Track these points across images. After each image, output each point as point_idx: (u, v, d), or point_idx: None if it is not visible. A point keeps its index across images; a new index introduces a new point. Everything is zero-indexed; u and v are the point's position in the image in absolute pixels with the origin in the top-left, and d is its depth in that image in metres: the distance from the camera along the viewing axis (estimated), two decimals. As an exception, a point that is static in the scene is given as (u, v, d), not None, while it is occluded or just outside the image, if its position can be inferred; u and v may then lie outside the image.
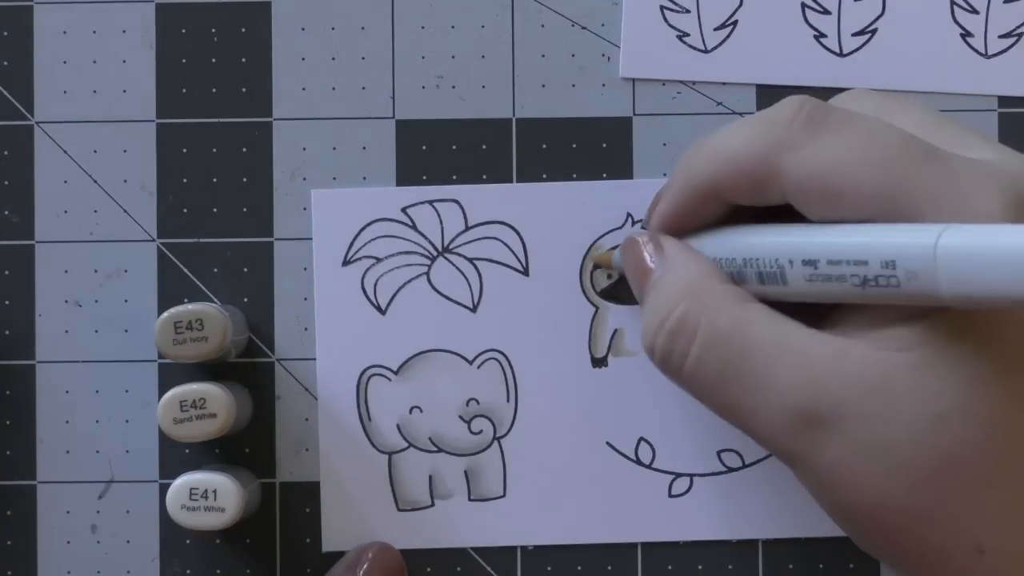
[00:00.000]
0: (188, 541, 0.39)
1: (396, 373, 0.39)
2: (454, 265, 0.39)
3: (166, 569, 0.39)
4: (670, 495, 0.39)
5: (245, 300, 0.39)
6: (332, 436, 0.39)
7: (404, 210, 0.39)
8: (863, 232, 0.29)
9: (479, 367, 0.39)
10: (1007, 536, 0.28)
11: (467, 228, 0.39)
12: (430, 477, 0.39)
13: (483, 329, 0.39)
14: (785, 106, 0.31)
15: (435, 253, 0.39)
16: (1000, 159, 0.30)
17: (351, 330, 0.39)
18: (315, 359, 0.39)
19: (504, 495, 0.39)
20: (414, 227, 0.39)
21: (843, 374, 0.29)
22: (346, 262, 0.39)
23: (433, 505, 0.39)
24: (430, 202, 0.39)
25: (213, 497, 0.36)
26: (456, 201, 0.39)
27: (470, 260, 0.39)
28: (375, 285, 0.39)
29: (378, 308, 0.39)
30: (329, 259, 0.39)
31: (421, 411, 0.39)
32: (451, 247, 0.39)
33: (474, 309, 0.39)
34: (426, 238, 0.39)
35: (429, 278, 0.39)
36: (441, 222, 0.39)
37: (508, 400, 0.39)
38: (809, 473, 0.30)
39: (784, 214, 0.31)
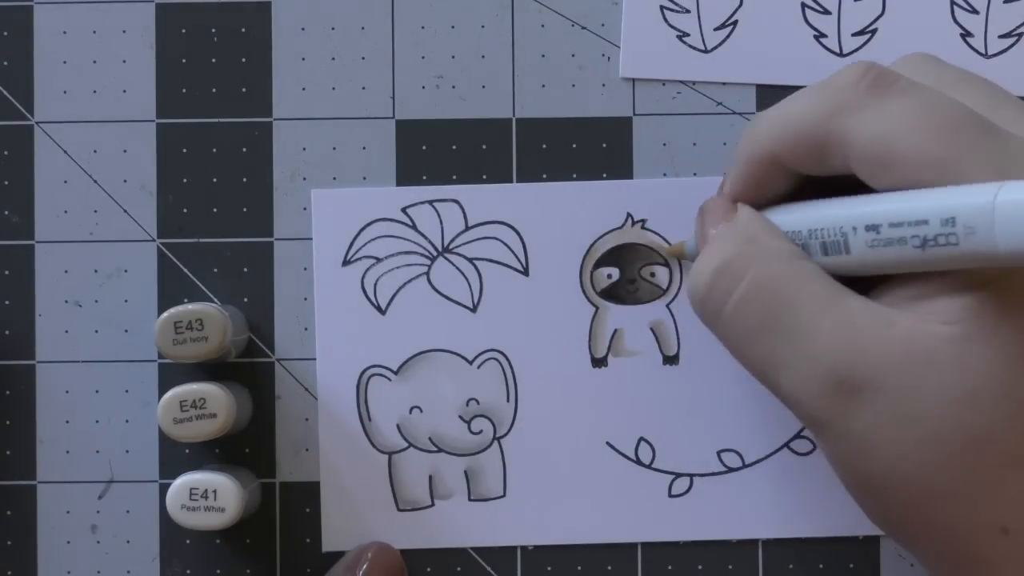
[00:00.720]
0: (188, 541, 0.39)
1: (396, 373, 0.39)
2: (454, 265, 0.39)
3: (166, 569, 0.39)
4: (670, 495, 0.39)
5: (245, 300, 0.39)
6: (332, 436, 0.39)
7: (404, 210, 0.39)
8: (923, 195, 0.29)
9: (479, 367, 0.39)
10: None
11: (467, 228, 0.39)
12: (430, 477, 0.39)
13: (483, 329, 0.39)
14: (850, 71, 0.31)
15: (435, 253, 0.39)
16: None
17: (351, 330, 0.39)
18: (315, 359, 0.39)
19: (504, 495, 0.39)
20: (414, 227, 0.39)
21: (886, 342, 0.29)
22: (346, 262, 0.39)
23: (433, 505, 0.39)
24: (430, 202, 0.39)
25: (213, 497, 0.36)
26: (456, 201, 0.39)
27: (470, 260, 0.39)
28: (375, 285, 0.39)
29: (378, 308, 0.39)
30: (329, 259, 0.39)
31: (421, 411, 0.39)
32: (451, 247, 0.39)
33: (474, 309, 0.39)
34: (426, 238, 0.39)
35: (429, 278, 0.39)
36: (441, 222, 0.39)
37: (508, 400, 0.39)
38: (838, 440, 0.30)
39: (848, 189, 0.31)
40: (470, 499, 0.39)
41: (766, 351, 0.31)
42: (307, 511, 0.39)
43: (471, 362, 0.39)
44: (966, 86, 0.32)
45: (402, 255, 0.39)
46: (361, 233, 0.39)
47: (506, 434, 0.39)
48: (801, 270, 0.31)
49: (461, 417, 0.39)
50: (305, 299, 0.39)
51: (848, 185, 0.31)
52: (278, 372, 0.39)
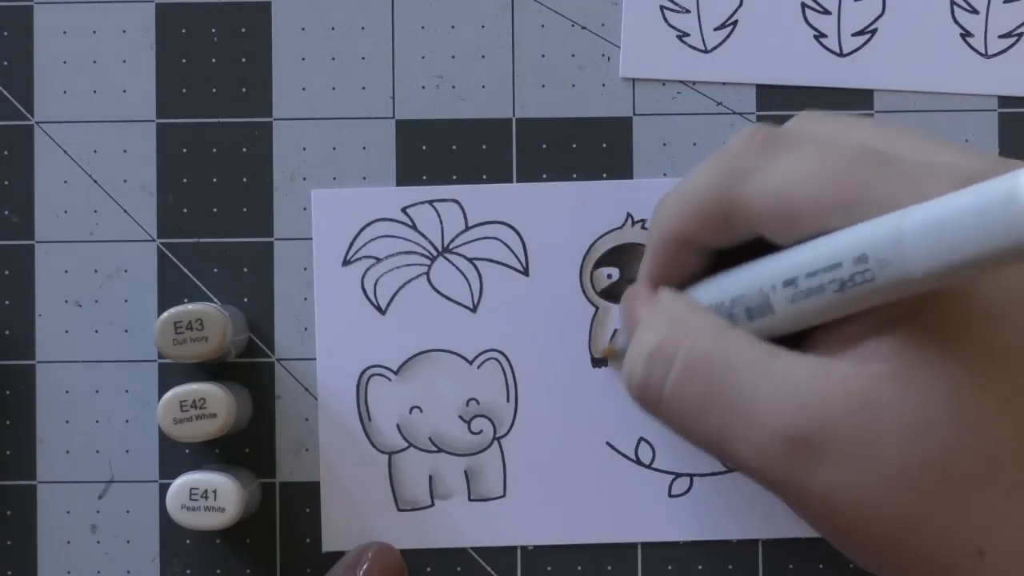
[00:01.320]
0: (188, 541, 0.39)
1: (396, 373, 0.39)
2: (454, 265, 0.39)
3: (166, 569, 0.39)
4: (670, 495, 0.39)
5: (245, 300, 0.39)
6: (332, 436, 0.39)
7: (404, 210, 0.39)
8: (832, 238, 0.29)
9: (479, 367, 0.39)
10: (1005, 536, 0.28)
11: (467, 228, 0.39)
12: (430, 477, 0.39)
13: (483, 329, 0.39)
14: (738, 137, 0.31)
15: (435, 253, 0.39)
16: (963, 161, 0.30)
17: (351, 330, 0.39)
18: (315, 359, 0.39)
19: (504, 495, 0.39)
20: (414, 227, 0.39)
21: (826, 393, 0.29)
22: (346, 262, 0.39)
23: (433, 505, 0.39)
24: (430, 202, 0.39)
25: (213, 497, 0.36)
26: (456, 201, 0.39)
27: (470, 260, 0.39)
28: (375, 285, 0.39)
29: (378, 308, 0.39)
30: (329, 259, 0.39)
31: (421, 411, 0.39)
32: (451, 247, 0.39)
33: (474, 309, 0.39)
34: (426, 238, 0.39)
35: (429, 278, 0.39)
36: (441, 222, 0.39)
37: (508, 400, 0.39)
38: (802, 500, 0.30)
39: (762, 253, 0.31)
40: (470, 499, 0.39)
41: (712, 428, 0.31)
42: (307, 511, 0.39)
43: (471, 362, 0.39)
44: (859, 127, 0.32)
45: (402, 255, 0.39)
46: (361, 233, 0.39)
47: (506, 434, 0.39)
48: (730, 341, 0.31)
49: (461, 417, 0.39)
50: (305, 299, 0.39)
51: (762, 250, 0.31)
52: (278, 372, 0.39)
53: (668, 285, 0.34)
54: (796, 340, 0.31)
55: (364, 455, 0.39)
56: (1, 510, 0.39)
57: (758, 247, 0.31)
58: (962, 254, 0.25)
